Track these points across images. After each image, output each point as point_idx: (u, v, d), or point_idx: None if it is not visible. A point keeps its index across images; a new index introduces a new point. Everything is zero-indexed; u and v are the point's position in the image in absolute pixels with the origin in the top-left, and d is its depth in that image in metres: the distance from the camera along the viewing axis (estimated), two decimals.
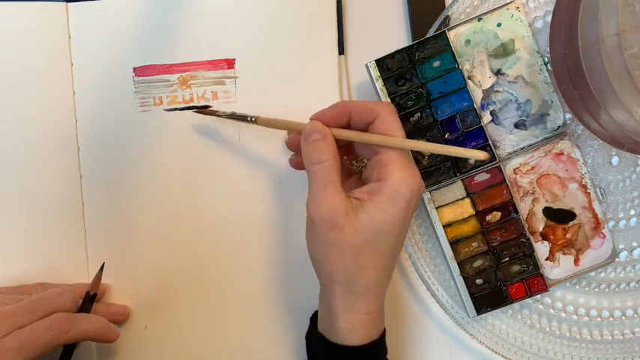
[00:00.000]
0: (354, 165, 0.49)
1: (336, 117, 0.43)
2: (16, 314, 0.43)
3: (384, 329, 0.44)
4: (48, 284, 0.49)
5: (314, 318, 0.46)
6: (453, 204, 0.50)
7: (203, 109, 0.50)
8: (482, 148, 0.49)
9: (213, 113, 0.49)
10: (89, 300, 0.47)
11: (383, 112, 0.42)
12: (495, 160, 0.49)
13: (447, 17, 0.49)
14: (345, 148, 0.46)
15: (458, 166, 0.49)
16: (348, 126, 0.43)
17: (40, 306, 0.44)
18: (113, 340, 0.47)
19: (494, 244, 0.50)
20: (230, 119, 0.49)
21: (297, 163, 0.47)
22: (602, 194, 0.50)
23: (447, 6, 0.50)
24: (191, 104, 0.51)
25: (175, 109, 0.50)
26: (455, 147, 0.44)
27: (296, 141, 0.45)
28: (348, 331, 0.42)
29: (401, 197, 0.40)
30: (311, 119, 0.44)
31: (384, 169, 0.41)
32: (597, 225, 0.50)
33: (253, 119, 0.47)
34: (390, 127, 0.41)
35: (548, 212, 0.50)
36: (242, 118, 0.48)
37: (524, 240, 0.50)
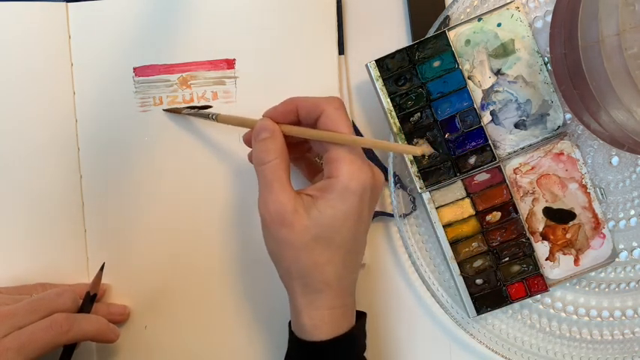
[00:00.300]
0: (318, 161, 0.49)
1: (286, 113, 0.43)
2: (15, 314, 0.43)
3: (359, 321, 0.45)
4: (48, 284, 0.49)
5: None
6: (453, 204, 0.50)
7: (171, 110, 0.51)
8: (483, 148, 0.49)
9: (179, 112, 0.50)
10: (89, 300, 0.47)
11: (328, 107, 0.42)
12: (495, 160, 0.49)
13: (447, 17, 0.49)
14: (307, 144, 0.46)
15: (458, 166, 0.49)
16: (298, 122, 0.44)
17: (40, 306, 0.44)
18: (113, 341, 0.47)
19: (494, 244, 0.50)
20: (194, 116, 0.50)
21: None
22: (602, 194, 0.50)
23: (447, 6, 0.50)
24: (191, 104, 0.51)
25: (174, 110, 0.50)
26: (395, 144, 0.46)
27: (251, 137, 0.45)
28: (312, 326, 0.42)
29: (350, 193, 0.41)
30: (263, 116, 0.44)
31: (333, 166, 0.41)
32: (597, 225, 0.50)
33: (214, 117, 0.48)
34: (335, 123, 0.41)
35: (548, 212, 0.50)
36: (204, 115, 0.49)
37: (524, 240, 0.50)
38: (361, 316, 0.46)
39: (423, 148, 0.41)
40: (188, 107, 0.50)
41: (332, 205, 0.41)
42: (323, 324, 0.42)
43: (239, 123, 0.46)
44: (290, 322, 0.45)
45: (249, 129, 0.46)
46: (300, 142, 0.45)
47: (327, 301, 0.42)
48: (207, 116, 0.48)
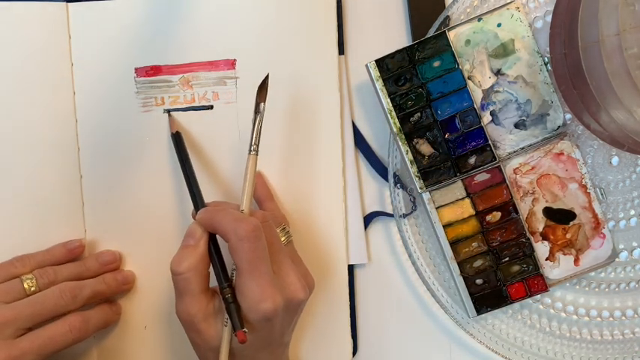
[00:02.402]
0: None
1: (207, 226, 0.44)
2: (19, 317, 0.44)
3: None
4: (25, 257, 0.48)
5: None
6: (453, 204, 0.50)
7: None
8: (483, 148, 0.49)
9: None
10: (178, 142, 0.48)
11: (232, 237, 0.41)
12: (495, 160, 0.49)
13: (447, 17, 0.49)
14: None
15: (458, 166, 0.49)
16: None
17: (44, 308, 0.45)
18: (117, 320, 0.50)
19: (494, 244, 0.50)
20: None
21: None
22: (602, 194, 0.50)
23: (447, 6, 0.50)
24: (193, 104, 0.51)
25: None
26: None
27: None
28: None
29: (253, 323, 0.41)
30: (197, 216, 0.44)
31: (237, 293, 0.42)
32: (597, 225, 0.50)
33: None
34: (236, 259, 0.41)
35: (548, 212, 0.50)
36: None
37: (524, 240, 0.50)
38: None
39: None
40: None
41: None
42: None
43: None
44: None
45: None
46: None
47: None
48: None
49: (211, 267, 0.44)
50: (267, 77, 0.46)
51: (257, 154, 0.45)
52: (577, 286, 0.51)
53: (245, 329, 0.41)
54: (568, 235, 0.50)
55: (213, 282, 0.44)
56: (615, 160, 0.50)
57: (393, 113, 0.49)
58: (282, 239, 0.46)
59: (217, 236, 0.44)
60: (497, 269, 0.50)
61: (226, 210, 0.44)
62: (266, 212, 0.46)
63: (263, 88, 0.46)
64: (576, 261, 0.50)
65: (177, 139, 0.49)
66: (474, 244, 0.50)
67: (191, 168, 0.47)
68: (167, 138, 0.51)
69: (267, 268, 0.41)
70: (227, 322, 0.42)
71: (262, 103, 0.46)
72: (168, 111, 0.51)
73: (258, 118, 0.45)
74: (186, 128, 0.51)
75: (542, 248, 0.50)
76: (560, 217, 0.50)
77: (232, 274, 0.43)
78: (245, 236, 0.41)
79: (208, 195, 0.51)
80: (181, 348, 0.51)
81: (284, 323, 0.43)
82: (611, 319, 0.51)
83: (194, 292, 0.42)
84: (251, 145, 0.45)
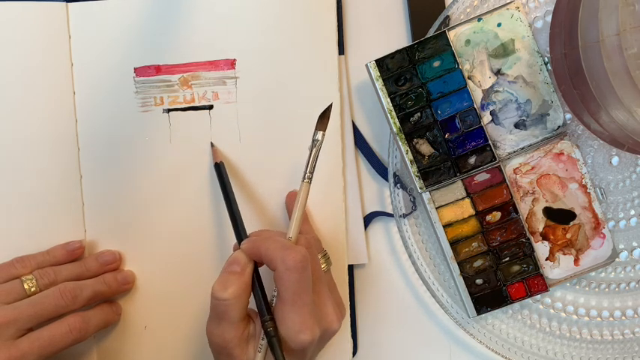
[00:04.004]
0: None
1: (253, 256, 0.43)
2: (19, 318, 0.44)
3: None
4: (25, 258, 0.48)
5: None
6: (453, 204, 0.50)
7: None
8: (483, 148, 0.49)
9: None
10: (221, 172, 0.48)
11: (280, 266, 0.41)
12: (495, 160, 0.49)
13: (447, 17, 0.49)
14: None
15: (458, 166, 0.49)
16: None
17: (43, 309, 0.45)
18: (117, 320, 0.50)
19: (494, 244, 0.50)
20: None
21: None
22: (602, 194, 0.50)
23: (447, 6, 0.50)
24: (192, 104, 0.51)
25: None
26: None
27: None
28: None
29: (290, 351, 0.41)
30: (242, 245, 0.44)
31: (277, 320, 0.42)
32: (597, 225, 0.50)
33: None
34: (280, 285, 0.41)
35: (548, 212, 0.50)
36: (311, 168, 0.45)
37: (524, 240, 0.50)
38: None
39: None
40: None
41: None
42: None
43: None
44: None
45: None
46: None
47: None
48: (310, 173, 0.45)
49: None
50: (330, 107, 0.45)
51: (310, 183, 0.44)
52: (577, 286, 0.51)
53: None
54: (568, 235, 0.50)
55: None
56: (615, 160, 0.50)
57: (393, 113, 0.49)
58: (323, 266, 0.46)
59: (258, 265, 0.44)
60: (497, 269, 0.50)
61: (273, 238, 0.43)
62: (310, 237, 0.46)
63: (325, 117, 0.45)
64: (576, 261, 0.50)
65: (220, 169, 0.48)
66: (474, 244, 0.50)
67: (234, 199, 0.47)
68: (167, 138, 0.51)
69: (310, 298, 0.41)
70: (261, 349, 0.42)
71: (322, 132, 0.44)
72: (168, 110, 0.51)
73: (315, 148, 0.44)
74: (186, 128, 0.51)
75: (542, 248, 0.50)
76: (560, 217, 0.50)
77: (272, 300, 0.43)
78: (293, 266, 0.41)
79: (209, 194, 0.51)
80: (181, 348, 0.51)
81: (315, 351, 0.44)
82: (611, 319, 0.51)
83: (234, 320, 0.42)
84: (305, 172, 0.44)
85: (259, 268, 0.44)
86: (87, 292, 0.47)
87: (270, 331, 0.41)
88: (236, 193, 0.49)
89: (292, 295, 0.41)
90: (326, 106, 0.45)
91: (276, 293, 0.42)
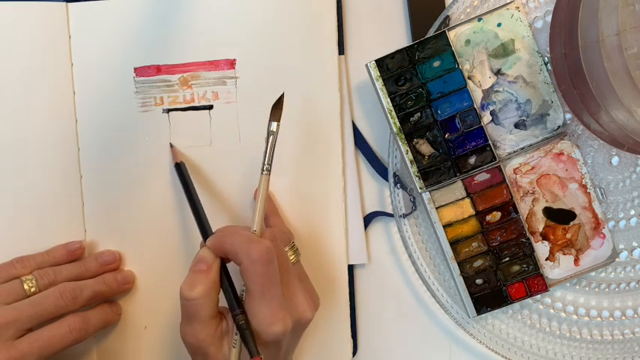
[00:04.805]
0: None
1: (218, 252, 0.43)
2: (19, 318, 0.44)
3: None
4: (25, 258, 0.48)
5: None
6: (453, 204, 0.50)
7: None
8: (483, 148, 0.49)
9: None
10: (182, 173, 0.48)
11: (245, 260, 0.41)
12: (495, 160, 0.49)
13: (447, 17, 0.49)
14: None
15: (458, 166, 0.49)
16: None
17: (45, 310, 0.45)
18: (117, 320, 0.49)
19: (494, 244, 0.50)
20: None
21: None
22: (602, 194, 0.50)
23: (447, 6, 0.50)
24: (192, 104, 0.51)
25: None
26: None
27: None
28: None
29: (262, 343, 0.41)
30: (207, 242, 0.44)
31: (248, 313, 0.42)
32: (597, 225, 0.50)
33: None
34: (246, 280, 0.41)
35: (548, 212, 0.50)
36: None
37: (524, 240, 0.50)
38: None
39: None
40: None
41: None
42: None
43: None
44: None
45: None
46: None
47: None
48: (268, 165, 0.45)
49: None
50: (282, 96, 0.45)
51: (269, 174, 0.44)
52: (577, 286, 0.51)
53: (261, 355, 0.41)
54: (568, 235, 0.50)
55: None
56: (615, 160, 0.50)
57: (393, 113, 0.49)
58: (292, 257, 0.46)
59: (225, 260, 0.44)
60: (497, 269, 0.50)
61: (237, 232, 0.43)
62: (275, 230, 0.46)
63: (278, 107, 0.45)
64: (576, 261, 0.50)
65: (181, 169, 0.48)
66: (474, 244, 0.50)
67: (197, 197, 0.47)
68: (166, 138, 0.51)
69: (278, 290, 0.41)
70: (235, 344, 0.42)
71: (276, 123, 0.45)
72: (168, 110, 0.51)
73: (271, 138, 0.44)
74: (186, 128, 0.51)
75: (542, 248, 0.50)
76: (560, 217, 0.50)
77: (242, 294, 0.43)
78: (258, 259, 0.40)
79: (209, 194, 0.51)
80: (181, 348, 0.51)
81: (290, 343, 0.44)
82: (611, 319, 0.51)
83: (204, 318, 0.42)
84: (264, 164, 0.44)
85: (228, 264, 0.44)
86: (87, 292, 0.47)
87: (242, 324, 0.41)
88: (236, 192, 0.49)
89: (260, 287, 0.41)
90: (279, 97, 0.45)
91: (245, 288, 0.42)
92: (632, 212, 0.50)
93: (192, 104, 0.51)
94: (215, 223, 0.51)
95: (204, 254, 0.43)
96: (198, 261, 0.43)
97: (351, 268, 0.52)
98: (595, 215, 0.50)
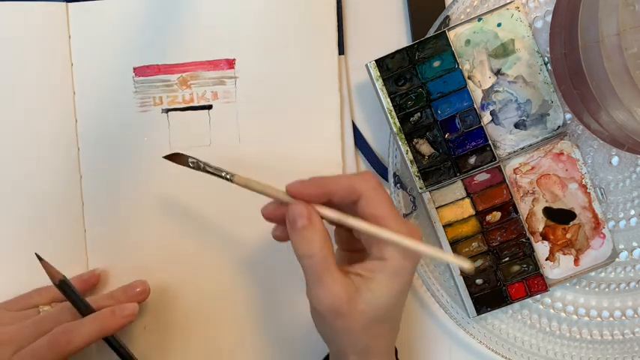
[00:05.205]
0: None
1: (315, 196, 0.40)
2: (20, 336, 0.44)
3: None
4: (43, 289, 0.49)
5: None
6: (453, 204, 0.50)
7: (171, 157, 0.45)
8: (483, 148, 0.49)
9: (183, 163, 0.44)
10: (65, 290, 0.46)
11: (366, 189, 0.39)
12: (495, 160, 0.49)
13: (447, 17, 0.49)
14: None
15: (458, 166, 0.49)
16: (328, 203, 0.41)
17: (44, 326, 0.45)
18: (129, 322, 0.47)
19: (494, 244, 0.50)
20: (204, 172, 0.43)
21: (281, 237, 0.43)
22: (602, 194, 0.50)
23: (447, 6, 0.50)
24: (191, 104, 0.51)
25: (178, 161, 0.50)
26: (444, 252, 0.45)
27: (274, 214, 0.42)
28: None
29: (403, 273, 0.40)
30: (289, 191, 0.40)
31: (383, 249, 0.40)
32: (597, 225, 0.50)
33: (230, 176, 0.42)
34: (377, 209, 0.39)
35: (548, 212, 0.50)
36: (216, 173, 0.43)
37: (524, 240, 0.50)
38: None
39: (469, 265, 0.40)
40: (194, 162, 0.44)
41: (386, 285, 0.40)
42: None
43: (259, 191, 0.42)
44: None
45: (270, 198, 0.42)
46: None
47: None
48: (220, 175, 0.43)
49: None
50: (174, 155, 0.43)
51: (234, 178, 0.42)
52: (577, 286, 0.51)
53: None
54: (568, 235, 0.50)
55: None
56: (615, 160, 0.50)
57: (393, 113, 0.49)
58: None
59: None
60: (497, 269, 0.50)
61: (329, 176, 0.41)
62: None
63: (174, 159, 0.43)
64: (576, 261, 0.50)
65: (66, 286, 0.46)
66: (474, 244, 0.50)
67: (88, 306, 0.46)
68: (166, 138, 0.51)
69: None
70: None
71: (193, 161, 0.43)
72: (167, 110, 0.51)
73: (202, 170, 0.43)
74: (185, 128, 0.51)
75: (542, 248, 0.50)
76: (560, 217, 0.50)
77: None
78: (378, 184, 0.40)
79: (209, 194, 0.51)
80: (181, 348, 0.51)
81: (414, 272, 0.42)
82: (611, 319, 0.51)
83: (332, 270, 0.39)
84: (224, 176, 0.42)
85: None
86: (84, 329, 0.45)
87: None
88: (236, 192, 0.49)
89: (392, 209, 0.39)
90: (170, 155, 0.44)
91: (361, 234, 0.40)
92: (632, 212, 0.50)
93: (191, 104, 0.51)
94: (215, 223, 0.51)
95: (297, 209, 0.40)
96: (296, 218, 0.40)
97: None
98: (595, 215, 0.50)
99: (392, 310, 0.41)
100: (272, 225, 0.45)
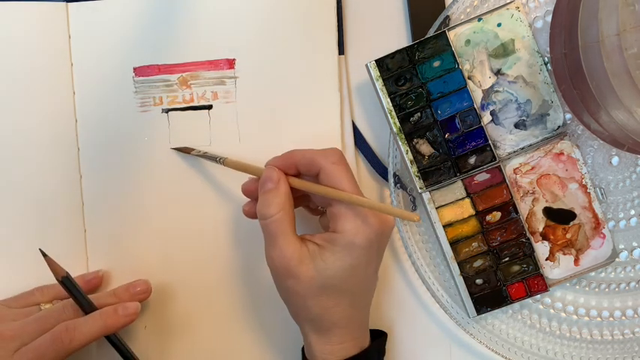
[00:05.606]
0: (321, 208, 0.48)
1: (286, 167, 0.43)
2: (23, 332, 0.44)
3: (376, 341, 0.46)
4: (45, 287, 0.49)
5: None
6: (453, 204, 0.50)
7: (180, 149, 0.50)
8: (483, 148, 0.49)
9: (189, 152, 0.50)
10: (67, 286, 0.46)
11: (325, 163, 0.42)
12: (495, 160, 0.49)
13: (447, 17, 0.49)
14: (307, 196, 0.47)
15: (458, 166, 0.49)
16: (299, 175, 0.44)
17: (47, 323, 0.45)
18: (132, 321, 0.47)
19: (494, 244, 0.50)
20: (203, 159, 0.50)
21: (249, 212, 0.46)
22: (602, 194, 0.50)
23: (447, 6, 0.50)
24: (191, 104, 0.51)
25: (183, 150, 0.51)
26: (390, 207, 0.46)
27: (250, 188, 0.46)
28: (323, 358, 0.44)
29: (356, 247, 0.41)
30: (266, 165, 0.44)
31: (337, 222, 0.42)
32: (597, 225, 0.50)
33: (222, 160, 0.48)
34: (335, 180, 0.42)
35: (548, 212, 0.50)
36: (212, 158, 0.49)
37: (524, 240, 0.50)
38: (380, 336, 0.47)
39: (415, 215, 0.41)
40: (198, 152, 0.50)
41: (338, 257, 0.41)
42: (333, 356, 0.44)
43: (246, 170, 0.46)
44: (303, 347, 0.47)
45: (251, 176, 0.46)
46: (300, 194, 0.45)
47: (337, 338, 0.43)
48: (215, 160, 0.49)
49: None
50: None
51: (225, 161, 0.48)
52: (577, 286, 0.51)
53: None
54: (568, 235, 0.50)
55: None
56: (615, 160, 0.50)
57: (393, 113, 0.49)
58: None
59: None
60: (497, 269, 0.50)
61: (300, 149, 0.44)
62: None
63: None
64: (576, 261, 0.50)
65: (69, 283, 0.46)
66: (474, 244, 0.50)
67: (90, 303, 0.47)
68: (166, 138, 0.51)
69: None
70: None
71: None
72: (167, 110, 0.51)
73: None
74: (186, 128, 0.51)
75: (542, 248, 0.50)
76: (560, 217, 0.50)
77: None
78: (339, 159, 0.42)
79: (209, 194, 0.51)
80: (181, 348, 0.51)
81: (379, 249, 0.44)
82: (611, 319, 0.51)
83: (287, 233, 0.42)
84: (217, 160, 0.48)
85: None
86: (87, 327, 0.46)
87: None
88: (236, 192, 0.49)
89: (353, 183, 0.42)
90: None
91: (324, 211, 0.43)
92: (632, 212, 0.50)
93: (191, 104, 0.51)
94: (215, 223, 0.51)
95: (268, 173, 0.43)
96: (265, 181, 0.43)
97: None
98: (595, 215, 0.50)
99: (345, 282, 0.42)
100: None
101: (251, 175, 0.46)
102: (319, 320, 0.43)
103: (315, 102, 0.51)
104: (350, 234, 0.41)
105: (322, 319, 0.43)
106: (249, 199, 0.47)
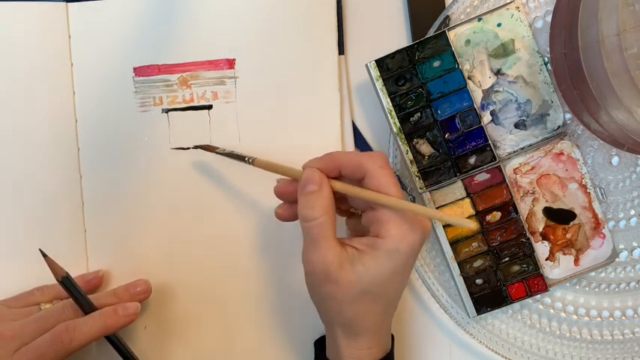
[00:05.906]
0: (354, 210, 0.47)
1: (328, 170, 0.42)
2: (23, 332, 0.44)
3: (391, 347, 0.46)
4: (45, 287, 0.49)
5: (317, 343, 0.47)
6: (453, 204, 0.50)
7: (203, 147, 0.50)
8: (483, 148, 0.49)
9: (213, 150, 0.49)
10: (67, 286, 0.46)
11: (372, 167, 0.41)
12: (495, 160, 0.49)
13: (447, 17, 0.49)
14: (345, 200, 0.45)
15: (458, 166, 0.49)
16: (339, 178, 0.43)
17: (47, 322, 0.45)
18: (132, 321, 0.47)
19: (494, 244, 0.50)
20: (229, 157, 0.49)
21: (283, 215, 0.45)
22: (602, 194, 0.50)
23: (447, 6, 0.50)
24: (191, 104, 0.51)
25: (207, 148, 0.50)
26: (448, 215, 0.45)
27: (285, 190, 0.44)
28: None
29: (400, 254, 0.41)
30: (305, 167, 0.43)
31: (381, 227, 0.41)
32: (597, 225, 0.50)
33: (251, 160, 0.46)
34: (382, 184, 0.41)
35: (548, 212, 0.50)
36: (240, 158, 0.47)
37: (524, 240, 0.50)
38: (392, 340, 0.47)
39: (474, 224, 0.40)
40: (223, 151, 0.49)
41: (379, 263, 0.41)
42: (362, 359, 0.43)
43: (279, 171, 0.45)
44: (315, 342, 0.46)
45: (284, 177, 0.44)
46: (339, 197, 0.44)
47: (366, 343, 0.43)
48: (243, 159, 0.47)
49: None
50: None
51: (254, 161, 0.46)
52: (577, 286, 0.51)
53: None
54: (568, 235, 0.50)
55: None
56: (615, 160, 0.50)
57: (393, 113, 0.49)
58: None
59: None
60: (497, 269, 0.50)
61: (342, 151, 0.44)
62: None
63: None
64: (576, 261, 0.50)
65: (69, 283, 0.46)
66: (474, 244, 0.50)
67: (90, 303, 0.47)
68: (166, 138, 0.51)
69: None
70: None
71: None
72: (167, 110, 0.51)
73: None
74: (186, 128, 0.51)
75: (542, 248, 0.50)
76: (560, 217, 0.50)
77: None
78: (385, 163, 0.41)
79: (209, 194, 0.51)
80: (181, 348, 0.51)
81: (416, 257, 0.43)
82: (611, 319, 0.51)
83: (329, 237, 0.41)
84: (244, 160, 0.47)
85: None
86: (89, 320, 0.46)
87: None
88: (236, 192, 0.49)
89: (397, 187, 0.41)
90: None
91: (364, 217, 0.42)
92: (632, 212, 0.50)
93: (191, 104, 0.51)
94: (215, 223, 0.51)
95: (310, 175, 0.42)
96: (307, 182, 0.42)
97: None
98: (595, 215, 0.50)
99: (383, 288, 0.41)
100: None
101: (281, 176, 0.45)
102: (352, 325, 0.42)
103: (315, 102, 0.51)
104: (395, 239, 0.40)
105: (356, 324, 0.42)
106: (281, 202, 0.45)
